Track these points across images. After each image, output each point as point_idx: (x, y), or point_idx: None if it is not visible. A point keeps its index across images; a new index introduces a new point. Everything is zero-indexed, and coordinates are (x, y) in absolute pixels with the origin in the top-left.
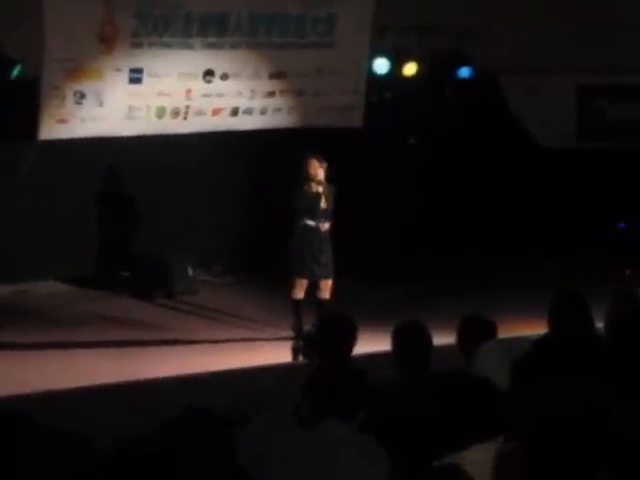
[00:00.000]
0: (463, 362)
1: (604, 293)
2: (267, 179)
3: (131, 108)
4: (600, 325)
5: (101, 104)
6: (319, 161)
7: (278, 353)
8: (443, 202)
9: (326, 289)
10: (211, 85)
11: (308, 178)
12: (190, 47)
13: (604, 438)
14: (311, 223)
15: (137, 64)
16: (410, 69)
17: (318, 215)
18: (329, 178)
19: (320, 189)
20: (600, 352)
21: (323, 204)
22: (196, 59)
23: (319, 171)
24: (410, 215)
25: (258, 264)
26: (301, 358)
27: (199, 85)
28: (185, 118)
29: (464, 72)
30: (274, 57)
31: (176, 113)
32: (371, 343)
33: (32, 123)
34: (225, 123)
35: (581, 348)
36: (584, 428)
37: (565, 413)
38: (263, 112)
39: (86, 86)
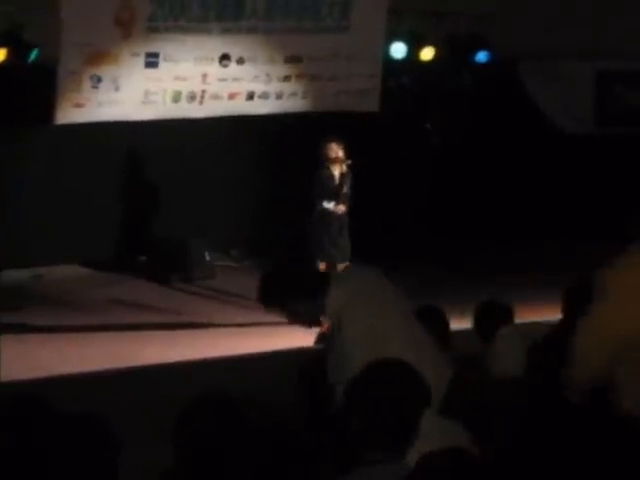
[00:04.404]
0: (480, 347)
1: None
2: (284, 163)
3: (147, 92)
4: None
5: (117, 88)
6: (338, 144)
7: (295, 337)
8: (459, 187)
9: None
10: (227, 69)
11: (328, 161)
12: (206, 31)
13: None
14: (330, 206)
15: (154, 48)
16: (427, 54)
17: (338, 198)
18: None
19: (343, 170)
20: None
21: (344, 187)
22: (212, 43)
23: (340, 153)
24: (426, 200)
25: (275, 249)
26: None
27: (215, 69)
28: (201, 102)
29: (482, 57)
30: (290, 41)
31: (192, 97)
32: None
33: (49, 107)
34: (241, 107)
35: None
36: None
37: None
38: (279, 96)
39: (103, 70)
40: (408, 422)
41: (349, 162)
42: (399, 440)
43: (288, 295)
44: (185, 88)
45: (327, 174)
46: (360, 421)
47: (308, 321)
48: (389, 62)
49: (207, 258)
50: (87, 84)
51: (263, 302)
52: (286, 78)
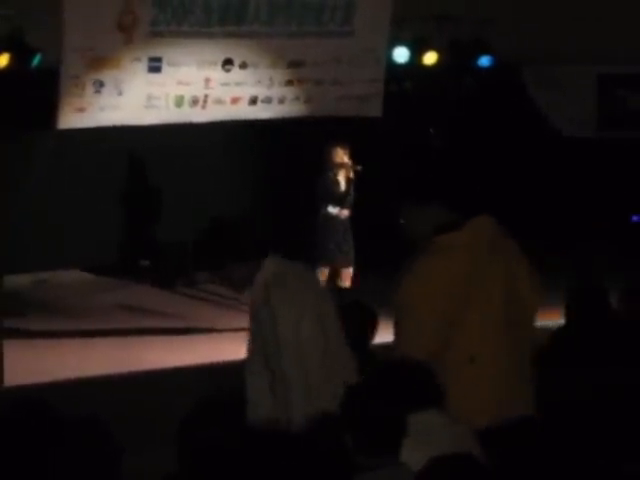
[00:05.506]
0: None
1: (617, 284)
2: (287, 168)
3: (150, 97)
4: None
5: (120, 93)
6: (343, 149)
7: None
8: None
9: (347, 278)
10: (230, 74)
11: (333, 166)
12: (209, 36)
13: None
14: (334, 211)
15: (156, 53)
16: (430, 58)
17: (342, 203)
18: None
19: (349, 175)
20: (619, 338)
21: (349, 191)
22: (215, 48)
23: (345, 158)
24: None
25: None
26: None
27: (218, 74)
28: (204, 107)
29: (484, 61)
30: (293, 46)
31: (195, 102)
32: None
33: (51, 112)
34: (244, 112)
35: (599, 337)
36: (606, 414)
37: (586, 398)
38: (282, 101)
39: (105, 75)
40: (401, 425)
41: (358, 168)
42: (394, 443)
43: (222, 259)
44: (188, 93)
45: (332, 179)
46: (356, 429)
47: (239, 286)
48: (392, 67)
49: None
50: (89, 89)
51: (195, 266)
52: (288, 83)
